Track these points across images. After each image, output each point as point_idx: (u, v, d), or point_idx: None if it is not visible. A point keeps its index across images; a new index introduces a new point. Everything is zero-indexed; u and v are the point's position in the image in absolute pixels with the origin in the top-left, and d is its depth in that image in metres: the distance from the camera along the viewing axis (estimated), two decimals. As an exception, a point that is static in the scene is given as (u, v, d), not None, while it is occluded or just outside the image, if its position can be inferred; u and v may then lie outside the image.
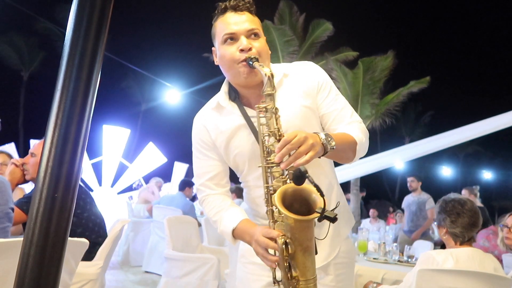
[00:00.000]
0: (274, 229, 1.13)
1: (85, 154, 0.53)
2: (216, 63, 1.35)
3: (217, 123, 1.34)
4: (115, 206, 8.18)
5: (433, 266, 1.89)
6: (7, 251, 1.27)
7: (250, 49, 1.23)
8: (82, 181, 5.48)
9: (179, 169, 11.31)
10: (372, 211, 9.30)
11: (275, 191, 1.10)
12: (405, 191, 6.14)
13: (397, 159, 8.35)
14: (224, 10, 1.29)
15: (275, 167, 1.13)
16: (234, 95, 1.33)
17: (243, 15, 1.27)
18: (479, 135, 6.70)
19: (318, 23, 11.23)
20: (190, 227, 3.63)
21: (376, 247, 3.51)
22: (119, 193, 9.41)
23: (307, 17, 11.75)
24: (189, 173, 11.98)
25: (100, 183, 9.30)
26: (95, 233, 2.35)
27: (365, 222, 9.20)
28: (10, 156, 3.19)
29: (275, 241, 1.09)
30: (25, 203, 2.08)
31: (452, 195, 2.08)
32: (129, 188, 9.84)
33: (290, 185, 1.08)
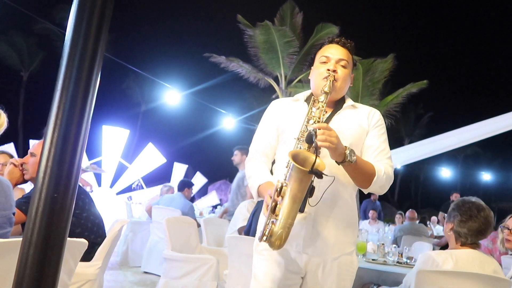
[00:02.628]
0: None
1: (84, 154, 0.53)
2: (309, 77, 1.77)
3: (288, 108, 1.72)
4: (114, 207, 8.17)
5: (433, 267, 1.89)
6: (6, 251, 1.27)
7: (334, 71, 1.60)
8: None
9: (179, 170, 11.30)
10: (371, 213, 9.30)
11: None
12: (405, 192, 6.13)
13: (396, 160, 8.35)
14: (331, 41, 1.72)
15: (302, 141, 1.44)
16: (310, 100, 1.65)
17: (342, 49, 1.68)
18: (479, 139, 6.66)
19: (324, 26, 11.22)
20: (189, 227, 3.62)
21: (375, 248, 3.50)
22: (118, 193, 9.41)
23: (308, 19, 11.76)
24: (188, 173, 11.97)
25: (99, 184, 9.29)
26: (94, 233, 2.35)
27: (364, 224, 9.21)
28: (11, 157, 3.19)
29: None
30: (24, 203, 2.08)
31: (474, 199, 2.06)
32: (128, 189, 9.83)
33: (302, 151, 1.39)
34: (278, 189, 1.35)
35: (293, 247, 1.54)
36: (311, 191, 1.36)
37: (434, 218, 9.93)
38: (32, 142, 8.49)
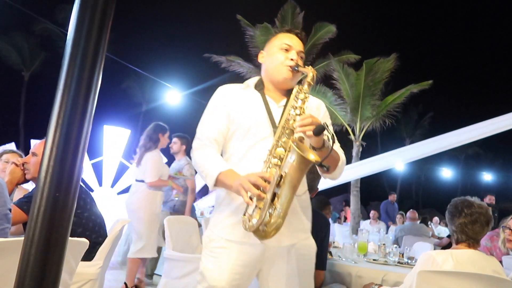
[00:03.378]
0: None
1: (85, 154, 0.54)
2: (260, 61, 1.76)
3: (238, 95, 1.67)
4: (115, 206, 8.17)
5: (433, 266, 1.89)
6: (7, 250, 1.27)
7: (297, 61, 1.63)
8: (83, 181, 5.47)
9: (180, 170, 11.30)
10: (372, 213, 9.28)
11: (281, 146, 1.43)
12: (406, 192, 6.10)
13: (397, 160, 8.34)
14: (289, 31, 1.73)
15: (287, 131, 1.46)
16: (261, 87, 1.69)
17: (300, 41, 1.72)
18: (480, 137, 6.67)
19: (322, 25, 11.22)
20: (190, 227, 3.63)
21: (376, 249, 3.50)
22: (119, 193, 9.41)
23: (310, 18, 11.75)
24: (190, 173, 11.96)
25: (100, 183, 9.29)
26: (95, 233, 2.35)
27: (365, 224, 9.20)
28: (21, 156, 3.19)
29: (265, 181, 1.33)
30: (25, 203, 2.08)
31: (470, 198, 2.06)
32: (129, 188, 9.83)
33: (300, 142, 1.40)
34: (278, 179, 1.31)
35: (251, 240, 1.46)
36: None
37: (436, 218, 9.92)
38: (33, 142, 8.49)
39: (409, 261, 3.08)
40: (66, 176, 0.51)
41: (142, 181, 4.22)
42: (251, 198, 1.35)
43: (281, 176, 1.32)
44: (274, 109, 1.63)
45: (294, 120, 1.46)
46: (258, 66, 11.78)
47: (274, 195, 1.31)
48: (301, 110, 1.50)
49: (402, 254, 3.27)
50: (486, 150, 28.74)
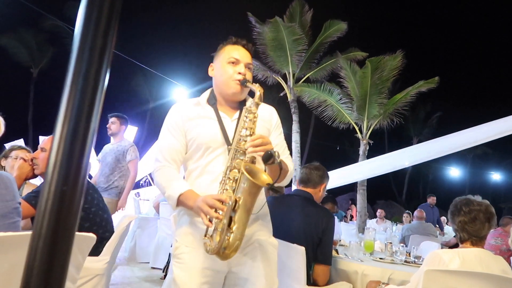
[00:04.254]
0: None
1: (92, 150, 0.54)
2: (210, 74, 1.76)
3: (192, 112, 1.69)
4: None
5: (440, 265, 1.88)
6: (18, 244, 1.29)
7: (245, 75, 1.66)
8: (90, 177, 5.51)
9: (186, 167, 11.35)
10: (379, 212, 9.25)
11: (235, 167, 1.49)
12: (413, 192, 6.04)
13: (405, 160, 8.28)
14: (235, 43, 1.73)
15: (240, 152, 1.51)
16: (214, 101, 1.72)
17: (247, 52, 1.73)
18: (488, 140, 6.53)
19: (333, 23, 11.16)
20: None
21: (382, 247, 3.49)
22: (126, 190, 9.46)
23: (317, 16, 11.70)
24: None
25: (107, 180, 9.35)
26: (102, 228, 2.37)
27: (372, 222, 9.17)
28: (29, 152, 3.22)
29: (222, 203, 1.40)
30: (33, 198, 2.10)
31: (471, 197, 2.07)
32: (136, 185, 9.89)
33: (251, 165, 1.48)
34: (233, 204, 1.40)
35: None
36: None
37: (443, 218, 9.82)
38: (42, 138, 8.57)
39: (416, 260, 3.07)
40: (73, 170, 0.51)
41: None
42: (210, 221, 1.42)
43: (235, 201, 1.40)
44: (228, 124, 1.67)
45: (245, 141, 1.52)
46: (265, 64, 11.76)
47: (230, 219, 1.40)
48: (251, 130, 1.54)
49: (409, 253, 3.26)
50: (494, 150, 28.45)
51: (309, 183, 2.64)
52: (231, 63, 1.68)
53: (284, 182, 1.72)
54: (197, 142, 1.64)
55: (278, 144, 1.76)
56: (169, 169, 1.64)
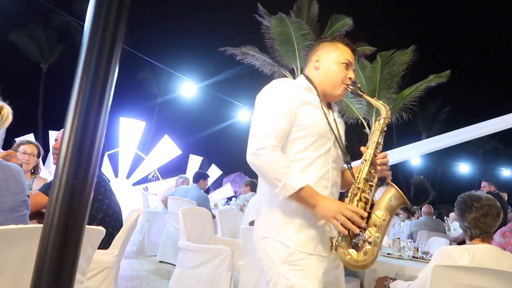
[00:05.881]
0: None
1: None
2: (315, 67, 1.69)
3: (305, 97, 1.58)
4: (131, 197, 8.30)
5: (449, 262, 1.87)
6: (27, 237, 1.31)
7: (354, 82, 1.67)
8: (100, 172, 5.57)
9: (194, 162, 11.40)
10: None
11: (367, 180, 1.50)
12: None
13: (412, 154, 8.22)
14: (348, 45, 1.69)
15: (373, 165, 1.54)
16: (318, 93, 1.64)
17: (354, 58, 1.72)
18: (498, 130, 6.48)
19: (338, 18, 11.10)
20: (204, 218, 3.66)
21: (390, 243, 3.48)
22: (134, 184, 9.55)
23: (325, 11, 11.62)
24: (203, 165, 12.05)
25: (116, 175, 9.44)
26: (114, 220, 2.41)
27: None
28: (38, 147, 3.25)
29: (362, 217, 1.41)
30: (48, 188, 2.14)
31: (477, 192, 2.05)
32: (145, 180, 9.97)
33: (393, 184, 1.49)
34: (387, 221, 1.43)
35: (326, 252, 1.52)
36: None
37: (453, 214, 9.75)
38: (52, 133, 8.66)
39: (424, 256, 3.05)
40: (84, 163, 0.52)
41: None
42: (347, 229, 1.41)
43: (385, 219, 1.43)
44: (330, 121, 1.62)
45: (375, 156, 1.53)
46: (273, 58, 11.71)
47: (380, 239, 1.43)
48: (380, 147, 1.57)
49: (417, 249, 3.24)
50: (505, 145, 28.09)
51: None
52: (345, 64, 1.66)
53: None
54: (311, 131, 1.53)
55: None
56: (281, 153, 1.48)
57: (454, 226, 8.77)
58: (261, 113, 1.53)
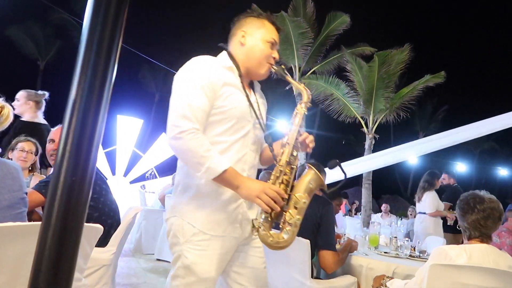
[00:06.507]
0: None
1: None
2: (241, 43, 1.62)
3: (227, 77, 1.54)
4: (128, 195, 8.29)
5: (446, 261, 1.87)
6: (25, 234, 1.30)
7: (278, 62, 1.65)
8: (96, 169, 5.56)
9: (191, 160, 11.38)
10: (384, 206, 9.23)
11: (289, 162, 1.51)
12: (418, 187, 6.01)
13: (410, 153, 8.24)
14: (274, 24, 1.66)
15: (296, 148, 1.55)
16: (240, 72, 1.60)
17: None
18: (495, 130, 6.52)
19: (335, 15, 11.10)
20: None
21: (387, 242, 3.49)
22: (131, 182, 9.53)
23: (322, 9, 11.62)
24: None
25: (113, 172, 9.42)
26: (110, 218, 2.40)
27: (377, 217, 9.16)
28: (36, 144, 3.24)
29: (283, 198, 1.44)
30: (43, 186, 2.13)
31: (481, 192, 2.04)
32: (142, 178, 9.96)
33: (313, 165, 1.53)
34: (305, 204, 1.46)
35: (233, 233, 1.55)
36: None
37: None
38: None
39: (421, 255, 3.06)
40: (82, 161, 0.52)
41: (424, 213, 5.39)
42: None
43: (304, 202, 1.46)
44: (252, 102, 1.60)
45: (297, 139, 1.54)
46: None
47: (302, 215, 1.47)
48: (301, 130, 1.58)
49: (414, 248, 3.25)
50: (502, 145, 28.20)
51: None
52: (270, 43, 1.62)
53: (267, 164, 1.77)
54: (229, 114, 1.50)
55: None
56: (202, 136, 1.44)
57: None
58: (180, 93, 1.46)
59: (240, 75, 1.58)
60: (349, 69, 10.04)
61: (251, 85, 1.70)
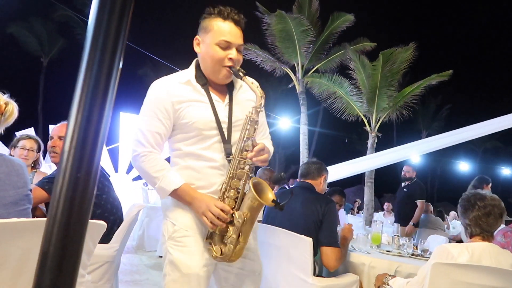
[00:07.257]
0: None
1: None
2: (197, 51, 1.60)
3: (183, 93, 1.56)
4: (131, 192, 8.31)
5: (448, 259, 1.88)
6: (29, 230, 1.31)
7: (237, 62, 1.55)
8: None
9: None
10: (386, 205, 9.22)
11: (235, 176, 1.51)
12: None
13: (412, 152, 8.22)
14: (227, 17, 1.53)
15: (242, 161, 1.52)
16: (204, 81, 1.60)
17: (240, 31, 1.56)
18: (498, 130, 6.50)
19: (339, 15, 11.06)
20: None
21: (389, 240, 3.49)
22: (134, 179, 9.55)
23: (327, 6, 11.58)
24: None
25: (116, 170, 9.44)
26: (113, 215, 2.41)
27: (379, 216, 9.15)
28: (38, 142, 3.24)
29: (230, 215, 1.49)
30: (46, 183, 2.14)
31: (481, 191, 2.05)
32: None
33: (259, 180, 1.51)
34: (243, 221, 1.48)
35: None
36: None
37: (453, 213, 9.73)
38: (52, 127, 8.65)
39: (423, 253, 3.06)
40: (87, 157, 0.52)
41: None
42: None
43: (244, 219, 1.48)
44: (220, 109, 1.58)
45: (247, 151, 1.52)
46: (274, 55, 11.68)
47: (239, 234, 1.50)
48: (251, 137, 1.53)
49: (416, 246, 3.25)
50: (506, 144, 28.09)
51: (308, 176, 2.79)
52: (220, 45, 1.52)
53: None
54: (191, 127, 1.54)
55: (262, 123, 1.72)
56: (155, 156, 1.54)
57: (453, 224, 8.79)
58: (137, 119, 1.60)
59: (205, 83, 1.59)
60: (352, 67, 10.01)
61: (230, 86, 1.65)
